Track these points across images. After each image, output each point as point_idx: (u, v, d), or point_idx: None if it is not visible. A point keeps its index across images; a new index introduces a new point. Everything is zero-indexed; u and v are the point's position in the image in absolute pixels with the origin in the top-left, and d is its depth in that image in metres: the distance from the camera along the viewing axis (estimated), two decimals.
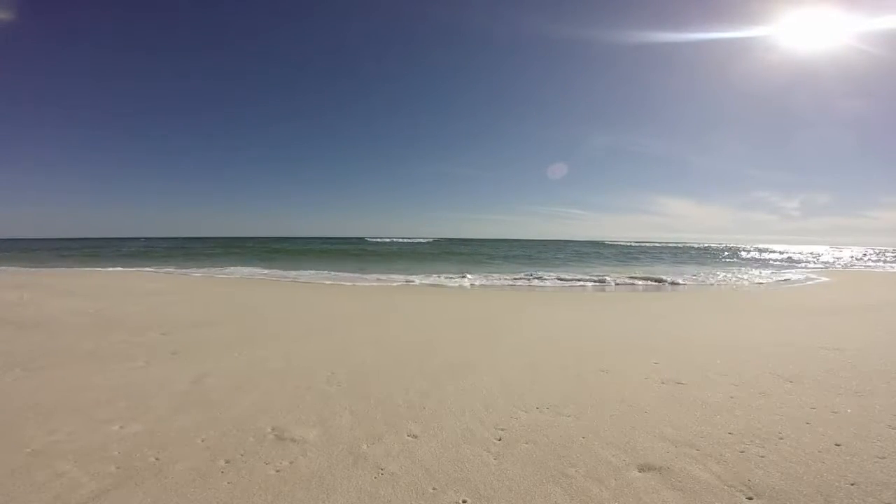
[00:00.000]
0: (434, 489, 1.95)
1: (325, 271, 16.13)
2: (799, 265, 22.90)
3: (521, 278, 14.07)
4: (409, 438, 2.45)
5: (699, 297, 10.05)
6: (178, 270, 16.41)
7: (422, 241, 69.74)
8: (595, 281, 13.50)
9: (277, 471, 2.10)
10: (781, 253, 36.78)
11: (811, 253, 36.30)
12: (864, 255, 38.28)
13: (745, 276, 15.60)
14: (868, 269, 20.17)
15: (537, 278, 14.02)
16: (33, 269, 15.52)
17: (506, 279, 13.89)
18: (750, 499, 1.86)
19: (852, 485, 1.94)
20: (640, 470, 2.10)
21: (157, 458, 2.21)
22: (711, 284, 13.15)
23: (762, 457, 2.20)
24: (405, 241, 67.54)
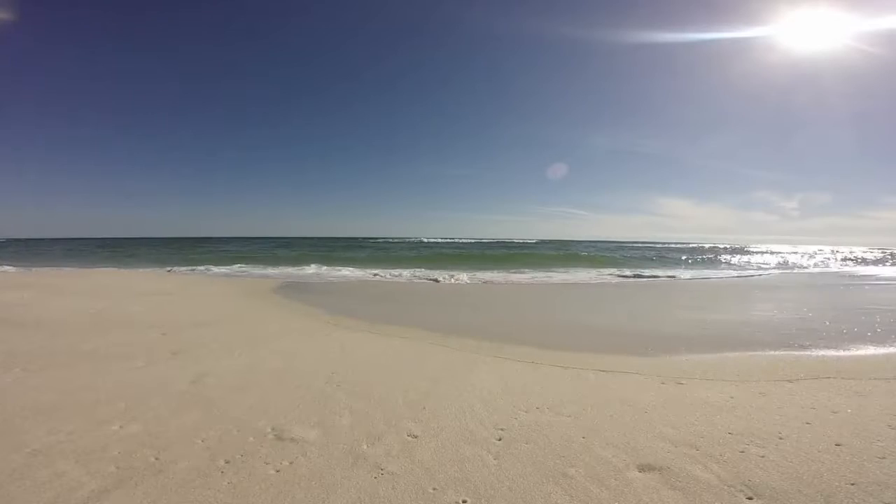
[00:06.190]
0: (434, 489, 1.95)
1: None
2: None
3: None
4: (409, 438, 2.45)
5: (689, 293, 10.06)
6: (178, 270, 16.41)
7: (466, 241, 66.90)
8: None
9: (277, 471, 2.10)
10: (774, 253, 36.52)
11: (766, 257, 34.19)
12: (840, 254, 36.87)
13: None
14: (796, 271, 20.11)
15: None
16: (34, 269, 15.52)
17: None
18: (750, 499, 1.86)
19: (852, 485, 1.94)
20: (640, 470, 2.10)
21: (156, 458, 2.21)
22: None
23: (762, 457, 2.20)
24: (434, 241, 64.60)
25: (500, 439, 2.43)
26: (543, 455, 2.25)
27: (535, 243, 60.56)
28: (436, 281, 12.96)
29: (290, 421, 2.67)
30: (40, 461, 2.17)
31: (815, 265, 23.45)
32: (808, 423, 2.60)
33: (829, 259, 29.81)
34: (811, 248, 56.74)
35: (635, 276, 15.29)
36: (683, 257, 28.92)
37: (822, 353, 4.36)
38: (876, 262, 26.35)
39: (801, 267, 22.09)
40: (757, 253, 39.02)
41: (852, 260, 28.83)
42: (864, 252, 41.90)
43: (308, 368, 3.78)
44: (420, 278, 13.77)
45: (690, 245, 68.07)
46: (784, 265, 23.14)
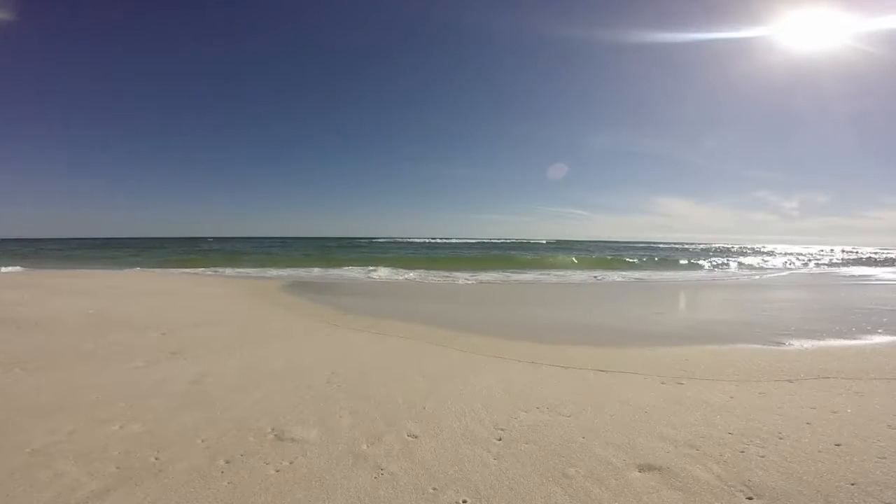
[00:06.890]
0: (434, 489, 1.95)
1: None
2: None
3: None
4: (409, 438, 2.45)
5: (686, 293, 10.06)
6: (178, 270, 16.42)
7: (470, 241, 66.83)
8: None
9: (277, 471, 2.10)
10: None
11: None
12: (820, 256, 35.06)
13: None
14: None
15: None
16: (33, 269, 15.52)
17: None
18: (750, 499, 1.86)
19: (852, 485, 1.94)
20: (640, 470, 2.10)
21: (157, 458, 2.21)
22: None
23: (762, 457, 2.20)
24: (451, 241, 64.02)
25: (500, 439, 2.43)
26: (543, 455, 2.25)
27: (545, 244, 60.58)
28: (426, 281, 12.97)
29: (290, 421, 2.67)
30: (40, 461, 2.17)
31: (818, 265, 23.47)
32: (808, 423, 2.60)
33: (832, 259, 29.80)
34: (814, 248, 56.62)
35: (635, 276, 15.29)
36: (685, 257, 28.90)
37: (822, 353, 4.36)
38: (884, 262, 26.12)
39: (805, 267, 22.10)
40: (758, 253, 38.96)
41: (854, 260, 28.77)
42: (874, 252, 41.54)
43: (308, 368, 3.78)
44: (419, 278, 13.77)
45: (692, 245, 68.08)
46: (786, 265, 23.15)
